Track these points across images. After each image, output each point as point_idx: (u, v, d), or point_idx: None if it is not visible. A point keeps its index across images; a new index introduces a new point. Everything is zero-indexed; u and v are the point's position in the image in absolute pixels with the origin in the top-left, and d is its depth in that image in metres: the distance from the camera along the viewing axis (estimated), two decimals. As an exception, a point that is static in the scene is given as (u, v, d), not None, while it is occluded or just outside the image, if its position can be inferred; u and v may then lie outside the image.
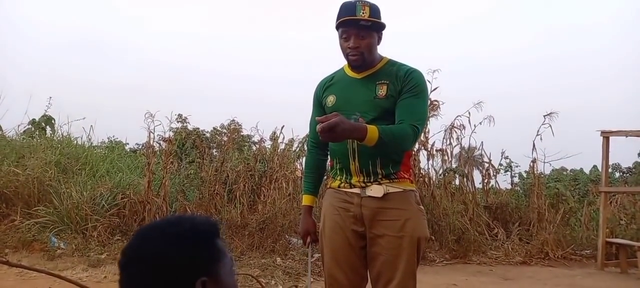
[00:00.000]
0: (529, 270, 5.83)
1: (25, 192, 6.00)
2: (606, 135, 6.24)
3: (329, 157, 2.17)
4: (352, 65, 1.97)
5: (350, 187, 1.99)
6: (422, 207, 2.01)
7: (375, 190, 1.93)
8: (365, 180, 1.95)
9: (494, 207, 7.15)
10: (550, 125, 7.01)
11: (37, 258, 4.95)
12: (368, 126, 1.76)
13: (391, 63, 1.99)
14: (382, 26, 1.93)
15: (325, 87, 2.08)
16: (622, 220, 7.38)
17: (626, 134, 6.24)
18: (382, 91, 1.92)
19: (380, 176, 1.93)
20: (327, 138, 1.68)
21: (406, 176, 1.98)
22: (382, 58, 2.00)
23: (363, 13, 1.87)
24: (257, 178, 7.06)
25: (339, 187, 2.03)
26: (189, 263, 0.91)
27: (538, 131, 7.11)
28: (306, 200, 2.16)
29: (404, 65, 1.99)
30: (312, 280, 4.66)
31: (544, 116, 7.04)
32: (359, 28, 1.88)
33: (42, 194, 6.04)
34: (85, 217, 5.68)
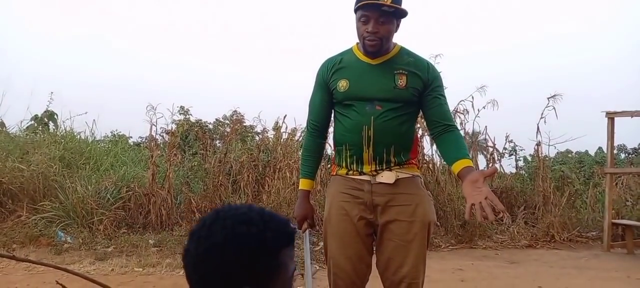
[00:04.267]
0: (535, 253, 5.82)
1: (31, 187, 6.03)
2: (611, 116, 6.19)
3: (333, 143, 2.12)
4: (368, 50, 1.87)
5: (360, 175, 1.95)
6: (428, 191, 2.04)
7: (387, 177, 1.91)
8: (377, 169, 1.93)
9: (499, 191, 7.12)
10: (554, 108, 6.97)
11: (45, 253, 4.98)
12: (466, 163, 1.81)
13: (405, 51, 1.95)
14: (404, 13, 1.86)
15: (334, 69, 1.96)
16: (628, 201, 7.35)
17: (631, 114, 6.18)
18: (402, 81, 1.88)
19: (392, 163, 1.92)
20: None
21: (414, 161, 1.99)
22: (395, 45, 1.95)
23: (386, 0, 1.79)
24: (260, 169, 7.06)
25: (347, 174, 1.98)
26: (240, 271, 0.87)
27: (542, 114, 7.07)
28: (304, 184, 2.09)
29: (419, 57, 1.96)
30: (316, 267, 4.67)
31: (548, 99, 7.00)
32: (381, 13, 1.80)
33: (47, 189, 6.07)
34: (91, 210, 5.71)
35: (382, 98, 1.87)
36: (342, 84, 1.92)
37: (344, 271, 1.96)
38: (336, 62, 1.98)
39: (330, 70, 1.97)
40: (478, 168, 7.23)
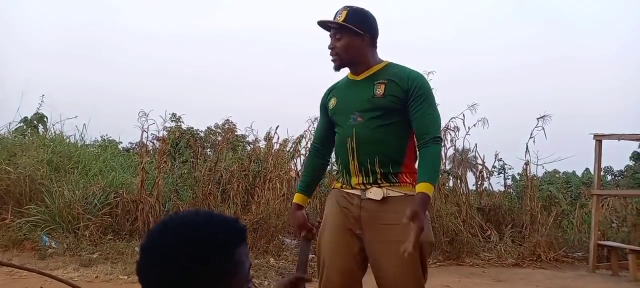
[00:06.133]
0: (522, 272, 5.85)
1: (17, 190, 5.95)
2: (599, 139, 6.28)
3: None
4: (334, 66, 2.02)
5: (351, 188, 1.98)
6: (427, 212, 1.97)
7: (375, 193, 1.91)
8: (364, 182, 1.94)
9: (487, 209, 7.18)
10: (543, 128, 7.06)
11: (28, 258, 4.91)
12: (420, 189, 1.76)
13: (392, 65, 2.01)
14: (359, 26, 1.94)
15: (329, 91, 2.15)
16: (613, 222, 7.44)
17: (618, 137, 6.29)
18: (379, 90, 1.93)
19: (379, 176, 1.91)
20: (419, 241, 1.69)
21: (408, 180, 1.93)
22: (381, 61, 2.03)
23: (339, 17, 1.95)
24: (251, 179, 7.04)
25: (341, 187, 2.04)
26: (196, 276, 0.88)
27: (531, 134, 7.16)
28: (296, 198, 2.15)
29: (405, 67, 1.99)
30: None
31: (537, 119, 7.09)
32: (334, 30, 1.97)
33: (34, 193, 5.99)
34: (77, 216, 5.64)
35: (361, 109, 1.95)
36: (332, 102, 2.08)
37: (332, 283, 1.96)
38: (333, 86, 2.15)
39: (327, 94, 2.15)
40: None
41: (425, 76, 2.03)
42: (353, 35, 1.95)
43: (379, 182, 1.92)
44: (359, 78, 2.01)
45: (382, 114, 1.91)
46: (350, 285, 1.97)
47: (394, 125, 1.92)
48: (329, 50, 2.00)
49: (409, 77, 1.93)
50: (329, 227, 2.01)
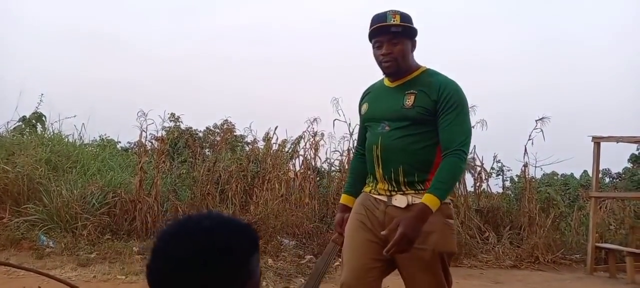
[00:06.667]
0: (519, 273, 5.86)
1: (15, 189, 5.94)
2: (597, 141, 6.29)
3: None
4: (386, 72, 1.98)
5: (378, 194, 2.00)
6: (451, 221, 1.95)
7: (399, 201, 1.92)
8: (390, 189, 1.95)
9: (485, 211, 7.18)
10: (541, 130, 7.07)
11: (26, 257, 4.90)
12: (424, 200, 1.76)
13: (429, 73, 1.97)
14: (413, 31, 1.93)
15: (364, 96, 2.13)
16: (611, 225, 7.45)
17: (617, 139, 6.30)
18: (409, 101, 1.90)
19: (403, 185, 1.91)
20: (405, 248, 1.72)
21: None
22: (419, 67, 1.99)
23: (394, 20, 1.89)
24: (249, 179, 7.04)
25: (370, 192, 2.05)
26: (211, 284, 0.87)
27: (530, 135, 7.17)
28: (342, 198, 2.19)
29: (440, 75, 1.95)
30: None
31: (536, 120, 7.10)
32: (391, 35, 1.90)
33: (32, 192, 5.98)
34: (75, 215, 5.63)
35: (389, 118, 1.95)
36: (364, 108, 2.09)
37: (347, 281, 1.96)
38: (368, 90, 2.15)
39: (362, 98, 2.15)
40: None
41: (460, 86, 1.94)
42: (408, 41, 1.93)
43: (404, 189, 1.92)
44: (394, 85, 1.98)
45: (409, 125, 1.90)
46: (365, 286, 1.95)
47: (422, 135, 1.90)
48: (382, 57, 1.92)
49: (440, 87, 1.89)
50: (350, 227, 2.03)
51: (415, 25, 1.94)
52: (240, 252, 0.90)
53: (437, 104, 1.87)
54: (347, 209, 2.14)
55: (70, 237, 5.44)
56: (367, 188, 2.08)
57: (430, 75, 1.96)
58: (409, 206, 1.89)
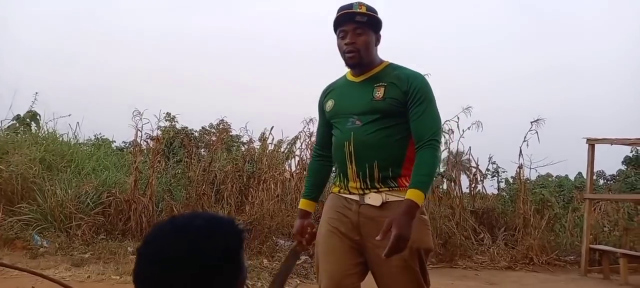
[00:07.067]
0: (514, 275, 5.88)
1: (8, 188, 5.90)
2: (591, 143, 6.33)
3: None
4: (348, 63, 1.92)
5: (349, 193, 1.93)
6: (425, 216, 1.91)
7: (373, 199, 1.86)
8: (363, 187, 1.89)
9: (480, 212, 7.21)
10: (536, 132, 7.10)
11: (20, 257, 4.87)
12: (408, 196, 1.72)
13: (392, 66, 1.94)
14: (378, 23, 1.90)
15: (326, 93, 2.07)
16: (605, 226, 7.49)
17: (611, 142, 6.34)
18: (379, 93, 1.86)
19: (377, 181, 1.86)
20: (401, 248, 1.67)
21: (408, 185, 1.83)
22: (382, 61, 1.95)
23: (359, 10, 1.86)
24: (245, 179, 7.03)
25: (339, 192, 1.99)
26: (206, 283, 0.87)
27: (525, 137, 7.20)
28: (301, 204, 2.11)
29: (405, 68, 1.93)
30: (297, 282, 4.64)
31: (531, 122, 7.13)
32: (356, 24, 1.86)
33: (26, 191, 5.94)
34: (70, 215, 5.60)
35: (360, 112, 1.89)
36: (329, 104, 2.01)
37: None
38: (330, 86, 2.08)
39: (324, 95, 2.08)
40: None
41: (425, 76, 1.94)
42: (372, 33, 1.89)
43: (378, 186, 1.87)
44: (359, 80, 1.94)
45: (381, 117, 1.85)
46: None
47: (394, 128, 1.87)
48: (345, 47, 1.88)
49: (408, 78, 1.87)
50: (323, 233, 1.97)
51: (381, 21, 1.91)
52: (234, 249, 0.92)
53: (407, 94, 1.85)
54: (307, 215, 2.07)
55: (64, 236, 5.41)
56: (335, 189, 2.01)
57: (394, 68, 1.93)
58: (384, 204, 1.85)
